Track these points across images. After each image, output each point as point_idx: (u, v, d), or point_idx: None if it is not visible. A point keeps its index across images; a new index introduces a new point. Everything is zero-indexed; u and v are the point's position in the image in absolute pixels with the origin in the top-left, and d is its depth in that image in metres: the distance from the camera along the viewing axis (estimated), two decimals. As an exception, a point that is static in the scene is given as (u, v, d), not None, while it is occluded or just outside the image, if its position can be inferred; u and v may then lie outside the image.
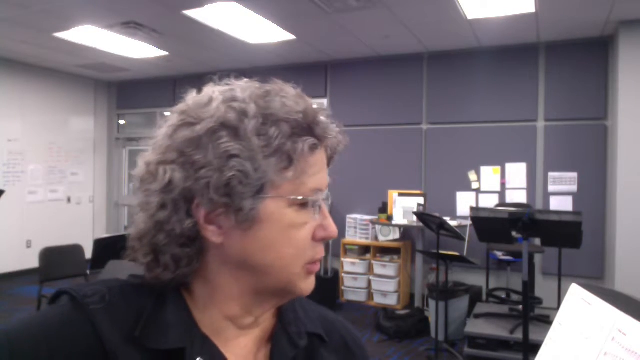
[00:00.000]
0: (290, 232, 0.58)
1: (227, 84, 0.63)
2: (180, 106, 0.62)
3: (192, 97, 0.62)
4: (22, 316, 0.58)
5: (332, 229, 0.62)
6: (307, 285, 0.62)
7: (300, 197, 0.58)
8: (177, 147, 0.57)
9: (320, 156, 0.61)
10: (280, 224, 0.58)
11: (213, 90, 0.62)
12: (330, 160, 0.66)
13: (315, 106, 0.61)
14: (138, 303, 0.58)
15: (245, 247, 0.58)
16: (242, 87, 0.61)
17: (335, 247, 5.72)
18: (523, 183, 5.24)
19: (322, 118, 0.60)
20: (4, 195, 4.87)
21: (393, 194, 5.26)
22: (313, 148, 0.58)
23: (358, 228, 5.68)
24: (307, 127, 0.58)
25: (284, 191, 0.57)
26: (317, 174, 0.60)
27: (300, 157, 0.57)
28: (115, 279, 0.61)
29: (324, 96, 6.21)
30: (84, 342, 0.54)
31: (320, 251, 0.62)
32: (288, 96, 0.60)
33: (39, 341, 0.52)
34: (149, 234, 0.58)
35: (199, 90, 0.64)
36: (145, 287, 0.60)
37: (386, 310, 4.80)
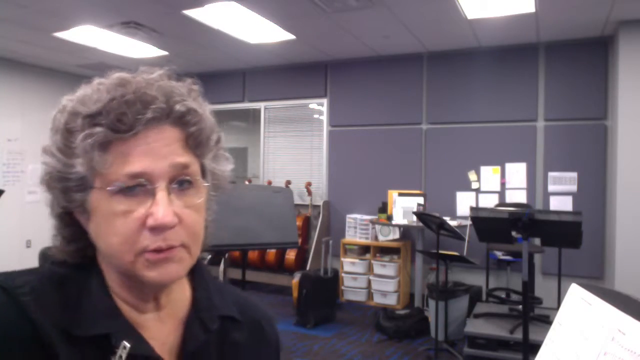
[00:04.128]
0: (114, 221, 0.59)
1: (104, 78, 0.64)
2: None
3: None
4: None
5: (158, 215, 0.58)
6: (155, 273, 0.59)
7: (110, 187, 0.58)
8: (50, 137, 0.65)
9: (139, 141, 0.59)
10: (104, 214, 0.59)
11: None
12: (194, 141, 0.63)
13: (136, 92, 0.59)
14: (65, 290, 0.61)
15: (92, 235, 0.62)
16: (95, 83, 0.63)
17: (335, 247, 5.72)
18: (523, 183, 5.24)
19: (133, 105, 0.58)
20: (3, 195, 4.86)
21: (393, 194, 5.26)
22: (113, 138, 0.58)
23: (358, 228, 5.68)
24: (109, 117, 0.58)
25: (99, 182, 0.59)
26: (129, 159, 0.58)
27: (101, 148, 0.58)
28: (45, 266, 0.67)
29: (324, 96, 6.21)
30: (18, 328, 0.56)
31: (152, 240, 0.58)
32: (103, 87, 0.61)
33: None
34: (51, 205, 0.67)
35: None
36: (71, 272, 0.64)
37: (386, 310, 4.80)
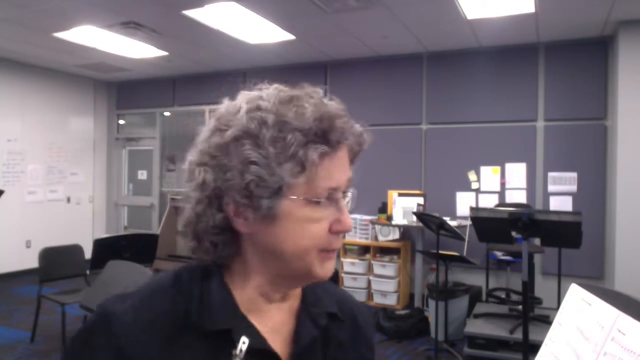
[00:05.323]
0: (307, 226, 0.66)
1: (259, 89, 0.70)
2: (216, 112, 0.70)
3: (225, 104, 0.70)
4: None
5: (346, 222, 0.68)
6: (324, 270, 0.69)
7: (313, 198, 0.65)
8: (210, 151, 0.66)
9: (337, 158, 0.67)
10: (296, 220, 0.65)
11: (243, 99, 0.69)
12: (354, 158, 0.72)
13: (334, 111, 0.67)
14: (193, 289, 0.68)
15: (269, 238, 0.66)
16: (268, 95, 0.67)
17: (335, 247, 5.71)
18: (523, 183, 5.24)
19: (338, 123, 0.66)
20: (3, 195, 4.86)
21: (393, 194, 5.26)
22: (324, 154, 0.64)
23: (358, 228, 5.68)
24: (320, 135, 0.64)
25: (299, 192, 0.64)
26: (330, 175, 0.66)
27: (312, 162, 0.63)
28: (165, 274, 0.73)
29: (324, 96, 6.20)
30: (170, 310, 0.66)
31: (335, 242, 0.69)
32: (307, 104, 0.65)
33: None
34: (192, 223, 0.68)
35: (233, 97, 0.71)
36: (190, 271, 0.71)
37: (386, 310, 4.80)
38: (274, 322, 0.72)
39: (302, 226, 0.65)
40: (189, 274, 0.70)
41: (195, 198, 0.67)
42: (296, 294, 0.76)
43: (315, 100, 0.67)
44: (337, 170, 0.67)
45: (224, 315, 0.66)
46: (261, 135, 0.63)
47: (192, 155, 0.69)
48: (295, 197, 0.64)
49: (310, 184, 0.64)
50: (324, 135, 0.64)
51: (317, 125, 0.64)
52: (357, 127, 0.70)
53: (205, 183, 0.65)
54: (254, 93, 0.69)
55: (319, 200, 0.65)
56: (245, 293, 0.70)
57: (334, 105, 0.68)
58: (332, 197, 0.67)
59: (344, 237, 0.72)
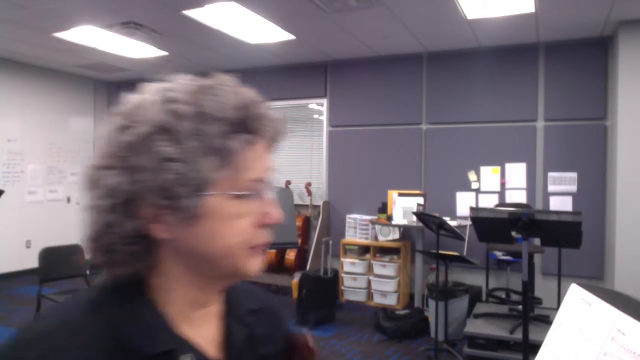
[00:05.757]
0: (233, 223, 0.62)
1: (166, 82, 0.64)
2: (121, 108, 0.63)
3: (130, 100, 0.63)
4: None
5: (274, 215, 0.65)
6: (254, 267, 0.65)
7: (238, 192, 0.61)
8: (118, 152, 0.59)
9: (258, 148, 0.63)
10: (222, 217, 0.61)
11: (150, 91, 0.63)
12: (272, 147, 0.68)
13: (251, 98, 0.63)
14: (108, 320, 0.60)
15: (193, 241, 0.61)
16: (179, 86, 0.62)
17: (335, 247, 5.72)
18: (523, 183, 5.24)
19: (257, 110, 0.62)
20: (3, 195, 4.87)
21: (393, 194, 5.26)
22: (246, 143, 0.61)
23: (358, 228, 5.68)
24: (240, 124, 0.60)
25: (222, 187, 0.60)
26: (254, 165, 0.63)
27: (234, 154, 0.60)
28: (72, 304, 0.64)
29: (324, 96, 6.21)
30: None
31: (264, 236, 0.65)
32: (223, 92, 0.61)
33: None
34: (101, 234, 0.61)
35: (138, 91, 0.64)
36: (106, 294, 0.62)
37: (386, 310, 4.80)
38: (206, 329, 0.68)
39: (229, 223, 0.61)
40: (105, 296, 0.62)
41: (103, 207, 0.59)
42: (220, 297, 0.72)
43: (232, 88, 0.63)
44: (259, 160, 0.63)
45: (163, 336, 0.61)
46: (177, 129, 0.57)
47: (94, 160, 0.61)
48: (219, 193, 0.60)
49: (233, 178, 0.60)
50: (243, 124, 0.60)
51: (237, 113, 0.60)
52: (274, 114, 0.66)
53: (115, 189, 0.58)
54: (164, 85, 0.63)
55: (244, 193, 0.61)
56: (174, 305, 0.64)
57: (249, 92, 0.64)
58: (256, 190, 0.63)
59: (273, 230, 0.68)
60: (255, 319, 0.75)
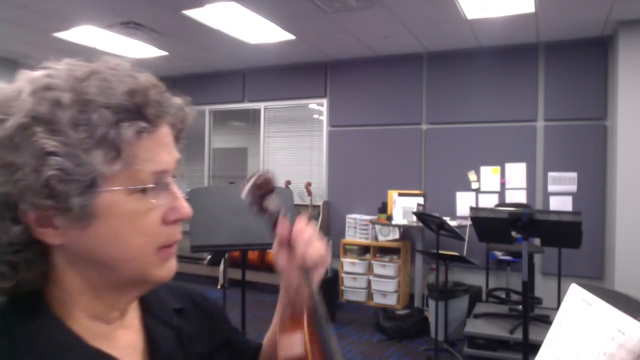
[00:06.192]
0: (135, 221, 0.55)
1: (44, 68, 0.57)
2: None
3: (0, 90, 0.56)
4: None
5: (184, 209, 0.59)
6: (164, 271, 0.59)
7: (137, 186, 0.55)
8: None
9: (159, 137, 0.57)
10: (121, 215, 0.54)
11: (25, 79, 0.56)
12: (178, 135, 0.62)
13: (146, 83, 0.57)
14: (18, 333, 0.54)
15: (88, 244, 0.54)
16: (58, 72, 0.55)
17: (335, 247, 5.72)
18: (523, 183, 5.24)
19: (154, 96, 0.56)
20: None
21: (393, 194, 5.26)
22: (141, 132, 0.54)
23: (358, 228, 5.68)
24: (134, 110, 0.54)
25: (118, 181, 0.54)
26: (154, 157, 0.56)
27: (127, 143, 0.53)
28: None
29: (324, 96, 6.21)
30: None
31: (175, 233, 0.59)
32: (112, 77, 0.55)
33: None
34: None
35: (10, 80, 0.58)
36: (4, 315, 0.55)
37: (386, 310, 4.80)
38: (125, 339, 0.62)
39: (130, 222, 0.55)
40: (4, 317, 0.55)
41: None
42: (134, 305, 0.65)
43: (122, 72, 0.56)
44: (161, 150, 0.57)
45: (74, 354, 0.54)
46: (56, 119, 0.51)
47: None
48: (114, 188, 0.53)
49: (130, 170, 0.54)
50: (138, 110, 0.54)
51: (128, 99, 0.53)
52: (177, 100, 0.60)
53: None
54: (38, 72, 0.56)
55: (144, 187, 0.55)
56: (78, 321, 0.57)
57: (145, 76, 0.58)
58: (160, 182, 0.57)
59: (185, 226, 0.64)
60: (182, 319, 0.70)
